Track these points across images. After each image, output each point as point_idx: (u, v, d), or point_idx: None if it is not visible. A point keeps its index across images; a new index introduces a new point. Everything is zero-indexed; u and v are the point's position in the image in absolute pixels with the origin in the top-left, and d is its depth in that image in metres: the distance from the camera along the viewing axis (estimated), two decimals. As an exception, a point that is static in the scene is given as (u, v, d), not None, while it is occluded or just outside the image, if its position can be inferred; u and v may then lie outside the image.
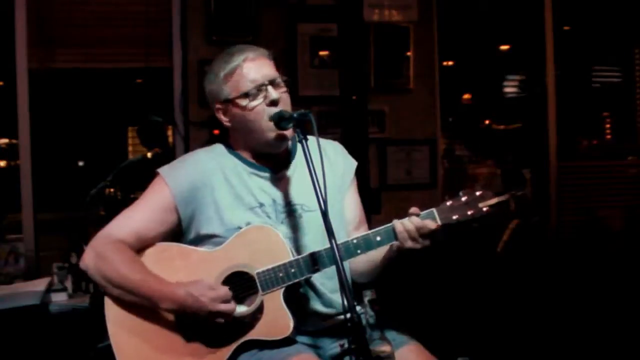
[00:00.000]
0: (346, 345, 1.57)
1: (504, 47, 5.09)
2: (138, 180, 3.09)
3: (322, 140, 1.99)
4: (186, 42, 3.74)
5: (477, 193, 1.79)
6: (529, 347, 3.30)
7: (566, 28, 4.68)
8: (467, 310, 3.43)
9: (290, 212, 1.89)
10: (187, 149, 3.70)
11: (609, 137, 5.21)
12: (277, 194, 1.90)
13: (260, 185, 1.90)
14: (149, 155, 3.31)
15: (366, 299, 1.73)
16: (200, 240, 1.88)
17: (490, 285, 3.57)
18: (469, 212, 1.78)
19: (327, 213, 1.63)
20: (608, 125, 5.24)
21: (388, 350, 1.71)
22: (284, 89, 1.88)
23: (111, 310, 1.84)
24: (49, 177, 3.92)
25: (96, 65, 3.78)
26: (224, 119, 1.92)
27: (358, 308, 1.74)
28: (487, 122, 5.41)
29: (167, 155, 3.88)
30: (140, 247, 1.86)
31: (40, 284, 2.94)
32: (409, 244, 1.76)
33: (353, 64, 3.91)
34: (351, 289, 1.61)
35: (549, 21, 4.46)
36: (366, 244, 1.79)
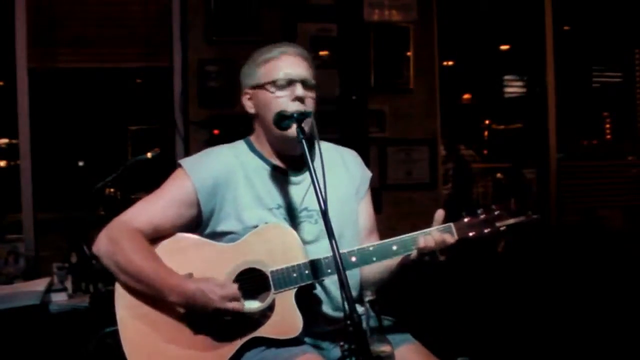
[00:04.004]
0: (345, 346, 1.57)
1: (504, 47, 5.08)
2: (137, 180, 3.09)
3: (341, 148, 2.05)
4: (186, 42, 3.74)
5: (496, 212, 1.83)
6: (529, 347, 3.30)
7: (566, 28, 4.68)
8: (467, 310, 3.43)
9: (307, 217, 1.89)
10: (187, 149, 3.70)
11: (609, 137, 5.20)
12: (295, 198, 1.89)
13: (279, 187, 1.90)
14: (149, 155, 3.29)
15: (366, 299, 1.72)
16: (215, 236, 1.87)
17: (490, 285, 3.58)
18: (486, 230, 1.83)
19: (327, 213, 1.62)
20: (608, 125, 5.23)
21: (388, 350, 1.70)
22: (313, 93, 1.89)
23: (121, 296, 1.84)
24: (49, 177, 3.91)
25: (96, 65, 3.78)
26: (249, 104, 1.92)
27: (359, 308, 1.74)
28: (487, 122, 5.41)
29: (167, 156, 3.87)
30: (155, 237, 1.86)
31: (40, 284, 2.94)
32: (426, 258, 1.79)
33: (353, 64, 3.90)
34: (350, 290, 1.60)
35: (549, 21, 4.46)
36: (382, 252, 1.81)
